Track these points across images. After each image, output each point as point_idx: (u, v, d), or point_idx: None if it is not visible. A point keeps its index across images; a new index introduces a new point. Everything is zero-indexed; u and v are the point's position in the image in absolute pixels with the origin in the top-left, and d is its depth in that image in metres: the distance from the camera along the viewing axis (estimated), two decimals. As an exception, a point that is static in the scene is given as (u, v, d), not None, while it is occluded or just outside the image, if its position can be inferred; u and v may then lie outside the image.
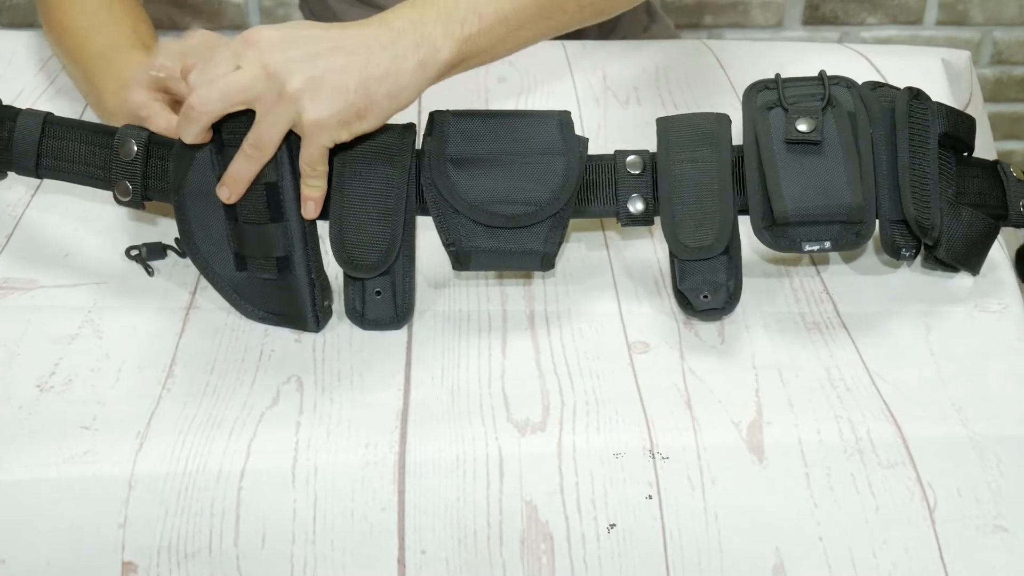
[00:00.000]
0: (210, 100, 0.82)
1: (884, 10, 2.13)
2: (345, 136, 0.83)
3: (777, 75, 0.91)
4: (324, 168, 0.85)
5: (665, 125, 0.91)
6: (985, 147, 1.22)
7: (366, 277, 0.86)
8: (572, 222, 0.94)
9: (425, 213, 0.88)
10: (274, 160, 0.84)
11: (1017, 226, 0.93)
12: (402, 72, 0.83)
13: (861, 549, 0.73)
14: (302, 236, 0.86)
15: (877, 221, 0.87)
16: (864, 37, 2.15)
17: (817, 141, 0.86)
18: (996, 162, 0.94)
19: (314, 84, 0.81)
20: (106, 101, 1.02)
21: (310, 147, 0.83)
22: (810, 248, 0.86)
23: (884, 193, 0.87)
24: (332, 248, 0.85)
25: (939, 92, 1.12)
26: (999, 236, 0.94)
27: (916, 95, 0.90)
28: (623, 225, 0.90)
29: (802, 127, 0.86)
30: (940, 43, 2.11)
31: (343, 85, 0.81)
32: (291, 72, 0.81)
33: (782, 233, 0.86)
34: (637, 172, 0.89)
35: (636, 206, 0.89)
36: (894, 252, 0.88)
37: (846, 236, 0.86)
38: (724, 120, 0.90)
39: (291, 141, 0.85)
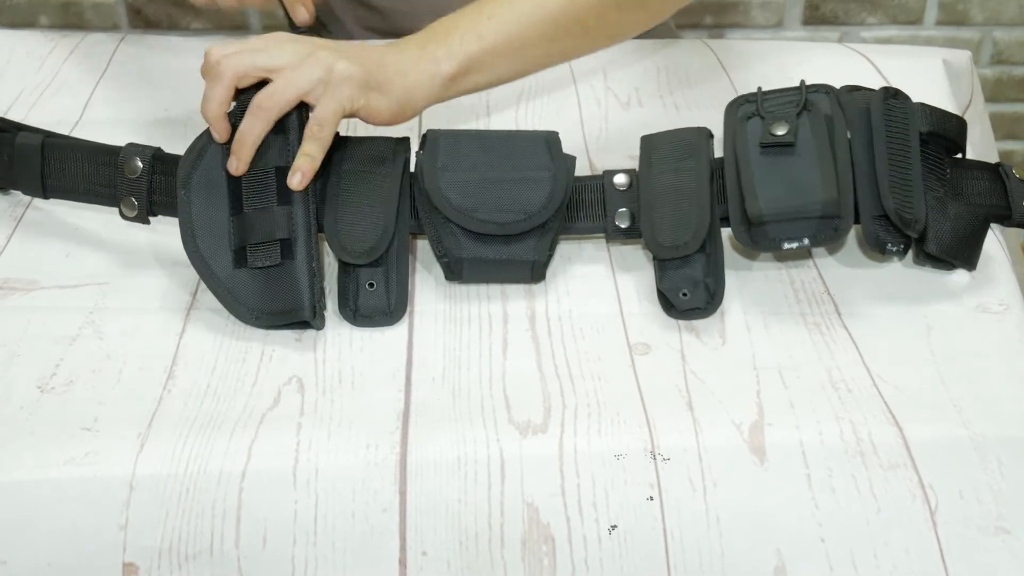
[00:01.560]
0: (238, 65, 0.88)
1: (884, 10, 2.13)
2: (361, 102, 0.89)
3: (759, 88, 0.94)
4: (329, 133, 0.88)
5: (648, 142, 0.95)
6: (986, 147, 1.22)
7: (359, 264, 0.87)
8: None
9: (420, 231, 0.91)
10: (285, 144, 0.87)
11: (1021, 226, 0.93)
12: (410, 73, 0.91)
13: (862, 551, 0.73)
14: (306, 224, 0.87)
15: (860, 217, 0.88)
16: (864, 37, 2.15)
17: (791, 143, 0.88)
18: (998, 164, 0.94)
19: (342, 53, 0.89)
20: None
21: (329, 102, 0.87)
22: (789, 246, 0.87)
23: (864, 190, 0.88)
24: (327, 237, 0.88)
25: (940, 92, 1.12)
26: (999, 236, 0.94)
27: (894, 94, 0.91)
28: (610, 240, 0.93)
29: (776, 131, 0.89)
30: (940, 43, 2.11)
31: (367, 57, 0.90)
32: (320, 46, 0.89)
33: (761, 233, 0.87)
34: (624, 188, 0.93)
35: (623, 221, 0.92)
36: (879, 247, 0.89)
37: (825, 231, 0.87)
38: (704, 132, 0.94)
39: (302, 115, 0.89)
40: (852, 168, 0.88)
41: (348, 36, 1.36)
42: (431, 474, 0.74)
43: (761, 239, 0.87)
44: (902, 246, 0.89)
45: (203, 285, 0.90)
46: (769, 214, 0.86)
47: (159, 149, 0.91)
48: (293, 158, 0.88)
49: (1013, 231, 1.14)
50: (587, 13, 0.96)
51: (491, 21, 0.93)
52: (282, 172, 0.87)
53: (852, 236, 0.95)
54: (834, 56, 1.24)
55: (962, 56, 1.23)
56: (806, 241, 0.87)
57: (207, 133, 0.89)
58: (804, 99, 0.91)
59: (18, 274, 0.91)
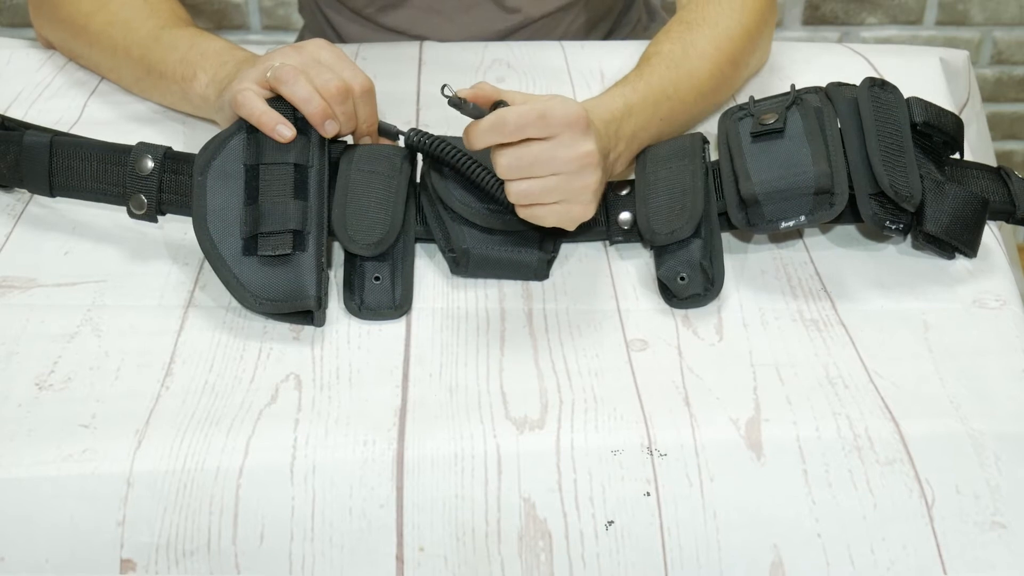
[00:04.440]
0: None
1: (884, 10, 2.14)
2: None
3: (751, 97, 0.96)
4: None
5: (644, 151, 0.97)
6: (984, 147, 1.22)
7: (367, 255, 0.88)
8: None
9: (426, 236, 0.92)
10: (306, 144, 0.89)
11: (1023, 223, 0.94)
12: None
13: (859, 546, 0.73)
14: (319, 221, 0.88)
15: (857, 199, 0.89)
16: (864, 37, 2.15)
17: (780, 128, 0.90)
18: (999, 168, 0.95)
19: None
20: (170, 72, 1.04)
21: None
22: (786, 225, 0.88)
23: (859, 171, 0.89)
24: (335, 228, 0.88)
25: (937, 91, 1.12)
26: (997, 233, 0.95)
27: (880, 84, 0.94)
28: (612, 243, 0.94)
29: (765, 121, 0.91)
30: (940, 43, 2.11)
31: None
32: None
33: (757, 213, 0.88)
34: (624, 193, 0.94)
35: (626, 224, 0.93)
36: (878, 224, 0.89)
37: (820, 207, 0.88)
38: (697, 136, 0.95)
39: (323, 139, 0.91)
40: (844, 151, 0.90)
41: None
42: (428, 470, 0.74)
43: (758, 220, 0.88)
44: (902, 225, 0.89)
45: (201, 283, 0.90)
46: (762, 192, 0.88)
47: (170, 148, 0.92)
48: (312, 158, 0.89)
49: (1009, 231, 1.14)
50: (718, 75, 1.03)
51: (663, 121, 0.98)
52: (301, 170, 0.89)
53: (850, 230, 0.96)
54: (833, 56, 1.24)
55: (959, 55, 1.23)
56: (803, 219, 0.88)
57: (233, 126, 0.91)
58: (794, 97, 0.93)
59: (16, 272, 0.91)
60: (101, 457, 0.74)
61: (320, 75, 0.92)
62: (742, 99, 1.07)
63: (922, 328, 0.86)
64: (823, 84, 0.96)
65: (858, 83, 0.94)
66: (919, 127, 0.92)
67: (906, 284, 0.90)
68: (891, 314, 0.87)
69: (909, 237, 0.93)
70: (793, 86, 0.94)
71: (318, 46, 0.95)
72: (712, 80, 1.03)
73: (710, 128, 1.00)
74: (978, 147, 1.18)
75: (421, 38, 1.29)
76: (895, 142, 0.90)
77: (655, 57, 1.01)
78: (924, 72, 1.16)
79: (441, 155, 0.90)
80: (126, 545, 0.72)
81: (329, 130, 0.91)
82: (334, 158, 0.92)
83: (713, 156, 0.95)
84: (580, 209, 0.86)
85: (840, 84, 0.95)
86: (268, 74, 0.91)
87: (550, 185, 0.85)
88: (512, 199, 0.86)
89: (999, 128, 2.23)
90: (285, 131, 0.89)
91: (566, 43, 1.25)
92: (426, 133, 0.92)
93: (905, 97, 0.93)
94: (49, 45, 1.21)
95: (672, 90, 0.98)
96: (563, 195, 0.85)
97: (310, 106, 0.90)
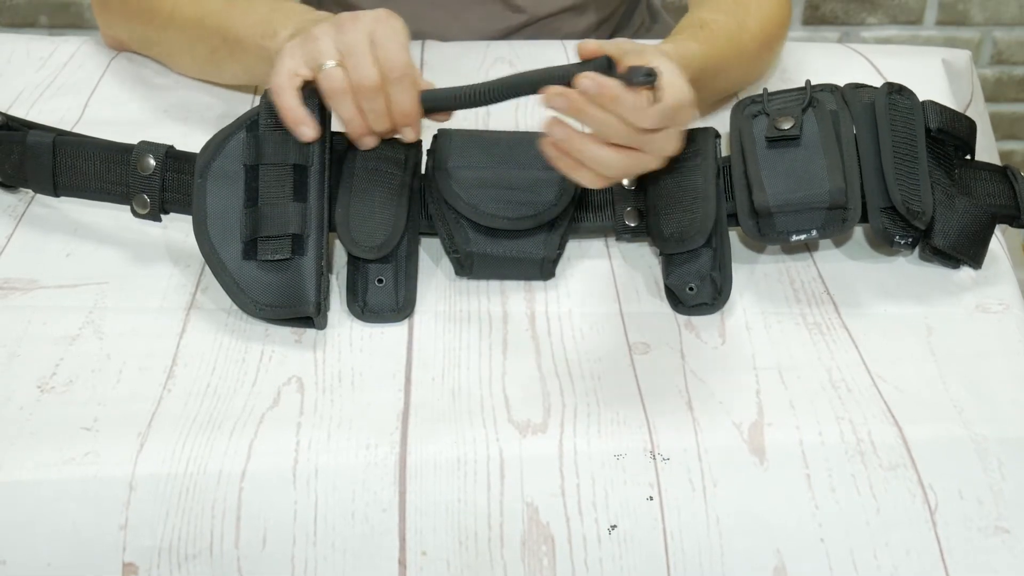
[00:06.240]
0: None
1: (884, 10, 2.14)
2: None
3: (764, 89, 0.95)
4: None
5: None
6: (986, 147, 1.22)
7: (370, 258, 0.87)
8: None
9: (430, 230, 0.91)
10: (308, 144, 0.88)
11: None
12: None
13: (862, 551, 0.73)
14: (319, 223, 0.87)
15: (868, 210, 0.88)
16: (864, 37, 2.15)
17: (796, 136, 0.89)
18: (1006, 167, 0.95)
19: None
20: (247, 34, 1.01)
21: None
22: (798, 238, 0.88)
23: (871, 183, 0.89)
24: (338, 229, 0.88)
25: (939, 92, 1.12)
26: (999, 236, 0.94)
27: (898, 90, 0.92)
28: (619, 238, 0.94)
29: (781, 125, 0.90)
30: (940, 43, 2.11)
31: None
32: None
33: (768, 225, 0.88)
34: (632, 187, 0.93)
35: (632, 220, 0.93)
36: (887, 240, 0.89)
37: (833, 222, 0.87)
38: (710, 132, 0.94)
39: (325, 136, 0.89)
40: (858, 161, 0.89)
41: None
42: (431, 474, 0.74)
43: (769, 231, 0.88)
44: (910, 239, 0.89)
45: (203, 285, 0.90)
46: (776, 205, 0.87)
47: (172, 147, 0.92)
48: (312, 157, 0.88)
49: (1013, 232, 1.14)
50: (755, 47, 1.03)
51: (708, 94, 0.98)
52: (300, 170, 0.88)
53: (855, 235, 0.95)
54: (834, 56, 1.24)
55: (961, 56, 1.23)
56: (814, 233, 0.87)
57: (232, 126, 0.90)
58: (809, 97, 0.92)
59: (18, 273, 0.91)
60: (103, 460, 0.74)
61: (358, 67, 0.87)
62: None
63: (925, 332, 0.86)
64: (832, 83, 0.95)
65: (861, 84, 0.94)
66: (933, 133, 0.91)
67: (909, 288, 0.90)
68: (894, 318, 0.87)
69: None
70: (808, 82, 0.93)
71: (372, 21, 0.89)
72: (751, 64, 1.03)
73: (719, 125, 1.00)
74: (981, 149, 1.17)
75: (423, 35, 1.29)
76: (910, 154, 0.89)
77: (714, 25, 1.00)
78: (926, 73, 1.16)
79: (465, 103, 0.89)
80: (128, 549, 0.72)
81: (367, 144, 0.90)
82: (339, 152, 0.92)
83: (724, 151, 0.94)
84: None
85: (857, 86, 0.94)
86: (319, 73, 0.87)
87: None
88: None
89: (999, 128, 2.23)
90: (306, 131, 0.87)
91: (568, 42, 1.25)
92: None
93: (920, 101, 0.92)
94: (117, 43, 1.20)
95: (724, 65, 0.99)
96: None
97: (350, 127, 0.89)
